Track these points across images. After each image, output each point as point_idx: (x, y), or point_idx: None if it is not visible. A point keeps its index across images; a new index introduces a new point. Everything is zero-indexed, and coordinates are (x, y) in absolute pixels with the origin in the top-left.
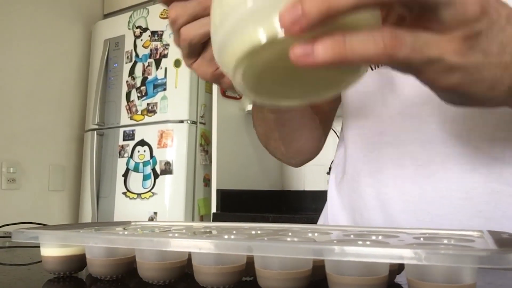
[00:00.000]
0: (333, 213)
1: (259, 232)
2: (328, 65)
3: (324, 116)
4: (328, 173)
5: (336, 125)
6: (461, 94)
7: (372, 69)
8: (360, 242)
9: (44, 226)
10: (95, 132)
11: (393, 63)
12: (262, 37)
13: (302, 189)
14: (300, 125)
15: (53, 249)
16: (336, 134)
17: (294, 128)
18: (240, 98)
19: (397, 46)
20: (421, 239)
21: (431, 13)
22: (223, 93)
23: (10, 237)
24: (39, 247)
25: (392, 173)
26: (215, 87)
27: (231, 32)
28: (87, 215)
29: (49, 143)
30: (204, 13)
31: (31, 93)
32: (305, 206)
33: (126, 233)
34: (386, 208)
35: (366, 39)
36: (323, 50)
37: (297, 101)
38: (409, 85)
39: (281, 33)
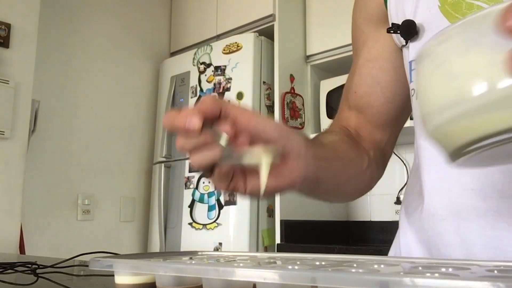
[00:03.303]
0: (407, 246)
1: (323, 263)
2: None
3: (381, 148)
4: (396, 202)
5: (402, 152)
6: None
7: None
8: (428, 274)
9: (116, 255)
10: (162, 164)
11: None
12: (503, 123)
13: (368, 219)
14: (345, 182)
15: (126, 277)
16: (403, 161)
17: (338, 187)
18: (302, 128)
19: None
20: (495, 271)
21: None
22: (285, 123)
23: (85, 265)
24: (111, 276)
25: (473, 205)
26: (276, 112)
27: (460, 119)
28: (155, 245)
29: (120, 176)
30: (205, 147)
31: (104, 128)
32: (372, 237)
33: (193, 262)
34: (467, 244)
35: None
36: None
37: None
38: None
39: None
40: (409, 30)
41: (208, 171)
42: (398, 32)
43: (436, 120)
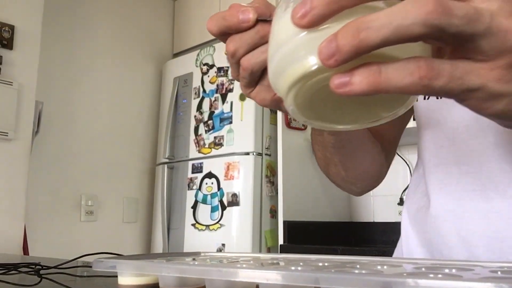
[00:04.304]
0: (409, 248)
1: (326, 264)
2: (366, 94)
3: (386, 144)
4: (399, 203)
5: (405, 153)
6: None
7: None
8: (431, 275)
9: (119, 256)
10: (165, 165)
11: (430, 92)
12: (309, 65)
13: (371, 220)
14: (361, 149)
15: (129, 278)
16: (406, 162)
17: (354, 151)
18: (305, 128)
19: (433, 77)
20: (499, 272)
21: (468, 44)
22: (288, 124)
23: (89, 266)
24: (115, 277)
25: (475, 207)
26: (279, 119)
27: (284, 59)
28: (158, 246)
29: (123, 177)
30: (262, 42)
31: (107, 129)
32: (375, 238)
33: (196, 263)
34: (469, 246)
35: (401, 69)
36: (359, 80)
37: (348, 125)
38: None
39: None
40: None
41: (256, 79)
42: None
43: (270, 63)
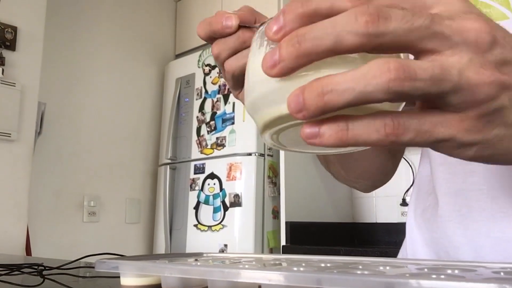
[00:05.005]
0: (413, 248)
1: (328, 264)
2: (335, 147)
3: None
4: (402, 204)
5: (408, 154)
6: (486, 161)
7: None
8: (434, 276)
9: (122, 256)
10: (168, 166)
11: (398, 146)
12: (280, 112)
13: (374, 221)
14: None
15: (132, 278)
16: (409, 163)
17: (351, 153)
18: None
19: (399, 133)
20: (501, 273)
21: (437, 100)
22: None
23: (91, 267)
24: (117, 277)
25: (481, 206)
26: None
27: (258, 100)
28: (160, 246)
29: (126, 178)
30: (243, 46)
31: (110, 130)
32: (377, 239)
33: (198, 264)
34: (475, 246)
35: (367, 126)
36: (328, 134)
37: (330, 150)
38: None
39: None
40: None
41: (241, 81)
42: None
43: (249, 98)
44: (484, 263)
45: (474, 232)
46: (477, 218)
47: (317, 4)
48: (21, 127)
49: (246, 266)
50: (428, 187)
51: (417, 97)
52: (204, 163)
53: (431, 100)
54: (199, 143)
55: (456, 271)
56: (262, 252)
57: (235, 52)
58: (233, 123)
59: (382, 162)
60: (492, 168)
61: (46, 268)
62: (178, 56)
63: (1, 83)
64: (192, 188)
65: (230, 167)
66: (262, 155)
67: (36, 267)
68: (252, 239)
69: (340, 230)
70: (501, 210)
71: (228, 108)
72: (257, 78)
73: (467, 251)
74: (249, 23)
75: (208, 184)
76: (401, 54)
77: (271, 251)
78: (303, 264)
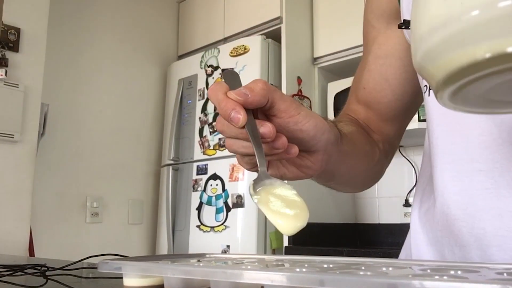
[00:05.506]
0: (417, 248)
1: (331, 265)
2: None
3: (386, 143)
4: (405, 205)
5: (410, 154)
6: None
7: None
8: (437, 277)
9: (125, 257)
10: (170, 167)
11: None
12: (505, 46)
13: (376, 222)
14: (351, 174)
15: (135, 279)
16: (412, 164)
17: (344, 180)
18: None
19: None
20: (505, 274)
21: None
22: None
23: (94, 268)
24: (120, 278)
25: (488, 205)
26: None
27: (440, 46)
28: (163, 247)
29: (128, 179)
30: (240, 137)
31: (113, 131)
32: (380, 240)
33: (201, 265)
34: (482, 245)
35: None
36: None
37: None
38: None
39: None
40: None
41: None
42: (410, 27)
43: (426, 44)
44: (488, 264)
45: (481, 231)
46: (483, 217)
47: None
48: (24, 128)
49: (249, 267)
50: (432, 186)
51: None
52: (207, 164)
53: None
54: (202, 144)
55: (459, 272)
56: (265, 253)
57: (236, 138)
58: None
59: (368, 167)
60: (498, 167)
61: (49, 268)
62: (180, 57)
63: (5, 84)
64: (194, 189)
65: (233, 168)
66: None
67: (39, 267)
68: (255, 240)
69: (343, 231)
70: (508, 209)
71: None
72: (443, 12)
73: (474, 249)
74: (260, 105)
75: (211, 185)
76: None
77: (274, 252)
78: (306, 265)
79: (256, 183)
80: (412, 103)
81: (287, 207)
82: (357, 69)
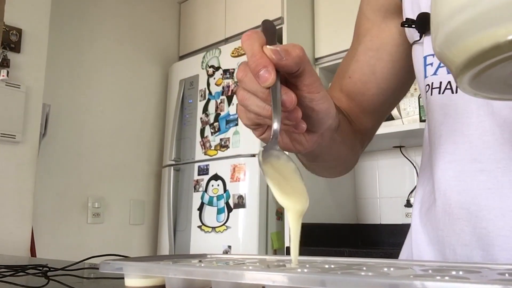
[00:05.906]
0: (418, 248)
1: (332, 266)
2: None
3: (364, 134)
4: (406, 205)
5: (412, 155)
6: None
7: (453, 92)
8: (438, 277)
9: (126, 258)
10: (171, 167)
11: None
12: (505, 35)
13: (378, 222)
14: (334, 162)
15: (136, 279)
16: (413, 164)
17: (324, 165)
18: None
19: None
20: (506, 274)
21: None
22: None
23: (95, 268)
24: (122, 278)
25: (490, 205)
26: None
27: (460, 27)
28: (164, 247)
29: (130, 179)
30: (259, 95)
31: (114, 131)
32: (381, 240)
33: (202, 265)
34: (484, 245)
35: None
36: None
37: None
38: (508, 107)
39: None
40: (424, 23)
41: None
42: (413, 26)
43: (447, 28)
44: (489, 264)
45: (483, 230)
46: (486, 216)
47: None
48: (26, 128)
49: (250, 267)
50: (432, 186)
51: None
52: (208, 165)
53: None
54: (203, 145)
55: (461, 272)
56: (266, 254)
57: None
58: (236, 125)
59: (355, 159)
60: (501, 167)
61: (51, 269)
62: (182, 57)
63: (6, 85)
64: (196, 190)
65: (234, 169)
66: None
67: (40, 268)
68: (256, 240)
69: (344, 231)
70: (510, 209)
71: (231, 109)
72: None
73: (476, 249)
74: (291, 70)
75: (212, 186)
76: None
77: (275, 252)
78: (307, 265)
79: (265, 151)
80: (394, 99)
81: (291, 189)
82: (344, 58)
